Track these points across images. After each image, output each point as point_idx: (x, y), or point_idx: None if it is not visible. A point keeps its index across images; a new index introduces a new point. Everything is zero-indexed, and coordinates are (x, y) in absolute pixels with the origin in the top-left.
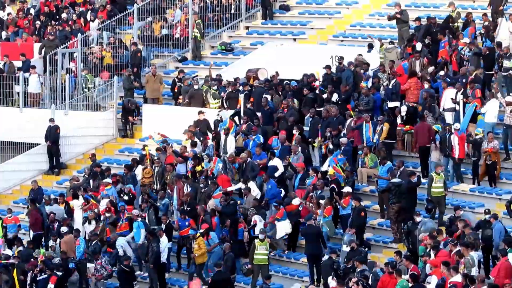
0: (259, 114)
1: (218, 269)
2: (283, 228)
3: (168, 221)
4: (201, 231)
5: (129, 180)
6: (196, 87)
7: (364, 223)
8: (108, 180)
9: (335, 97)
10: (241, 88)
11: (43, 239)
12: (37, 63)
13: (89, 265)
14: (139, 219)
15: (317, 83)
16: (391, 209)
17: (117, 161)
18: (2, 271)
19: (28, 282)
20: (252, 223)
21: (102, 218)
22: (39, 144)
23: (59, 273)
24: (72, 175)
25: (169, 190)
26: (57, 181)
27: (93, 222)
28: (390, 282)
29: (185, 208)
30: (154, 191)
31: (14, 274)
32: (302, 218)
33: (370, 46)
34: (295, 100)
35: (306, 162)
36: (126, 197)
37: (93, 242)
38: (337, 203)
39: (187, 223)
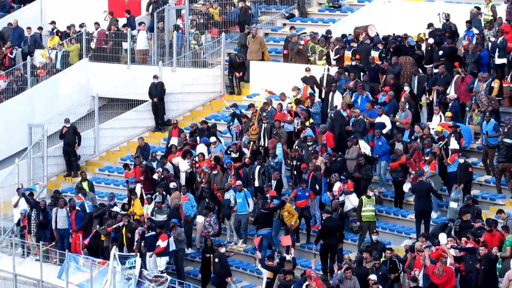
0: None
1: (328, 216)
2: (352, 201)
3: (279, 177)
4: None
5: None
6: (302, 42)
7: (471, 179)
8: (213, 138)
9: (440, 53)
10: (348, 45)
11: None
12: (144, 20)
13: (198, 219)
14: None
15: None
16: (496, 167)
17: (224, 118)
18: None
19: (137, 239)
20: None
21: (209, 175)
22: (146, 101)
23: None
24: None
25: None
26: (164, 138)
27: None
28: (492, 239)
29: (296, 164)
30: (260, 147)
31: (123, 231)
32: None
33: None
34: (410, 58)
35: (414, 120)
36: (233, 155)
37: (205, 199)
38: (443, 160)
39: (306, 194)
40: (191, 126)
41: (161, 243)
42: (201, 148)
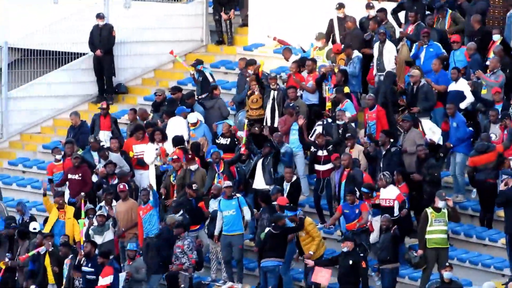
0: None
1: (348, 245)
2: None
3: (293, 176)
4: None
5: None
6: None
7: None
8: (193, 116)
9: None
10: None
11: None
12: None
13: None
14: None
15: None
16: None
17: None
18: None
19: (66, 275)
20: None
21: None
22: (84, 54)
23: None
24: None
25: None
26: (115, 114)
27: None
28: None
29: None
30: (263, 129)
31: (46, 261)
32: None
33: None
34: None
35: (509, 86)
36: (222, 141)
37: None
38: None
39: (357, 210)
40: (155, 94)
41: (102, 281)
42: (177, 123)
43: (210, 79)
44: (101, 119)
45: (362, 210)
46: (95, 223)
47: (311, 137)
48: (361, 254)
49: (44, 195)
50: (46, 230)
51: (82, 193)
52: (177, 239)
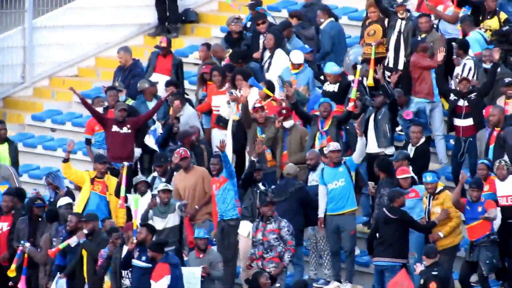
0: None
1: None
2: None
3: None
4: None
5: None
6: None
7: None
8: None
9: None
10: None
11: None
12: None
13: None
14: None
15: None
16: None
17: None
18: None
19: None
20: None
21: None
22: None
23: None
24: None
25: None
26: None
27: None
28: None
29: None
30: None
31: (83, 253)
32: None
33: None
34: None
35: None
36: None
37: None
38: None
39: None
40: (232, 23)
41: (155, 286)
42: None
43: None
44: (158, 59)
45: (488, 207)
46: (157, 201)
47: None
48: None
49: (66, 160)
50: (77, 210)
51: (125, 163)
52: (267, 220)
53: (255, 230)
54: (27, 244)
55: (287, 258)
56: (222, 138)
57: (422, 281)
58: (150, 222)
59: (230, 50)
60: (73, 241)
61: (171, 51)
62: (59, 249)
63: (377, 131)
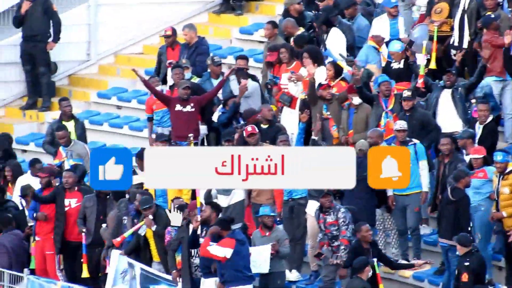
0: None
1: None
2: None
3: None
4: None
5: None
6: None
7: None
8: None
9: None
10: None
11: None
12: None
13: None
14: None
15: None
16: None
17: None
18: None
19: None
20: None
21: None
22: None
23: None
24: None
25: None
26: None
27: None
28: None
29: None
30: None
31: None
32: None
33: None
34: None
35: None
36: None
37: None
38: None
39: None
40: None
41: (217, 250)
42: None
43: None
44: (168, 52)
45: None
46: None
47: None
48: None
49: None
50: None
51: (191, 135)
52: (326, 212)
53: (317, 218)
54: (104, 225)
55: (342, 252)
56: (290, 116)
57: (456, 271)
58: (214, 200)
59: (301, 29)
60: (142, 230)
61: (178, 42)
62: (124, 237)
63: (457, 108)
